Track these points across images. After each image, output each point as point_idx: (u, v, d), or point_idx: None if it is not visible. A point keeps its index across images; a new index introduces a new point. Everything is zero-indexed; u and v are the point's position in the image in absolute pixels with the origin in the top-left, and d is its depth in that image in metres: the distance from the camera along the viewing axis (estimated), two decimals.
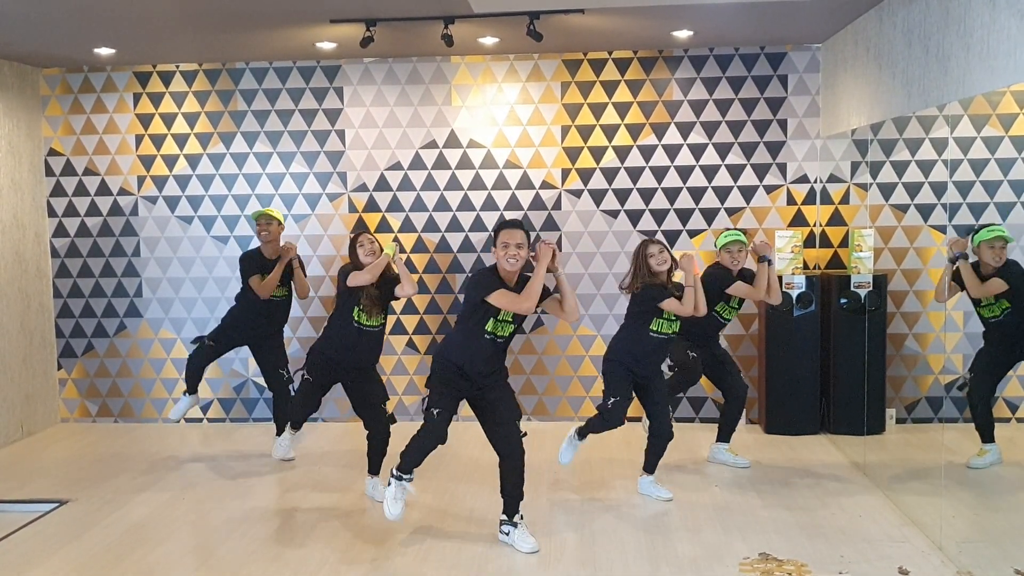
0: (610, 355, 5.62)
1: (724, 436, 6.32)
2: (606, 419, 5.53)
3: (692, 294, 5.41)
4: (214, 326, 7.56)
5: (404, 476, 4.85)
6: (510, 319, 4.82)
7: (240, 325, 6.62)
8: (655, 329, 5.48)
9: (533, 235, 7.42)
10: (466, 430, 5.97)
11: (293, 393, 6.28)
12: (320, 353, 5.65)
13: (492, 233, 4.92)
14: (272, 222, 6.47)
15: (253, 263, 6.47)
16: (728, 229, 6.32)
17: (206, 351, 6.64)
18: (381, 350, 5.71)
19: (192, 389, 6.64)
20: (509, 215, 7.39)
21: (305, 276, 6.67)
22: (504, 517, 4.95)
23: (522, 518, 4.95)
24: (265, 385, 6.89)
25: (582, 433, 5.65)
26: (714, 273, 5.97)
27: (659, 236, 7.29)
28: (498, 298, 4.68)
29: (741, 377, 6.31)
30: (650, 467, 5.70)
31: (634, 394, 5.60)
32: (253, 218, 6.58)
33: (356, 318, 5.48)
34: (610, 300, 7.39)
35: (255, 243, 6.94)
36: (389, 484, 4.87)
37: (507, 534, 4.93)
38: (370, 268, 5.40)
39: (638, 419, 6.16)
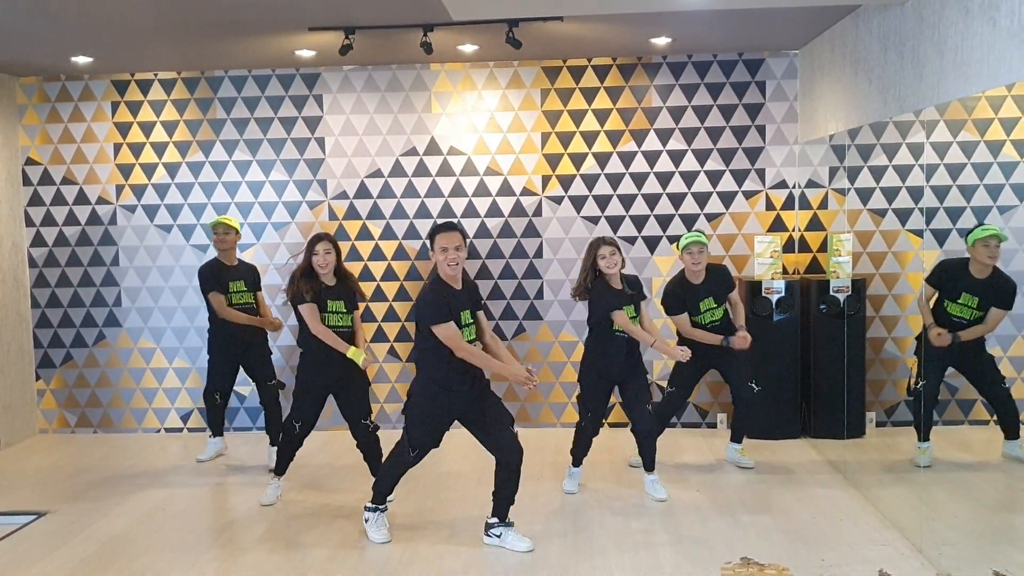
0: (583, 364, 5.78)
1: (734, 437, 6.38)
2: (583, 433, 5.75)
3: (659, 346, 5.62)
4: (193, 335, 7.55)
5: (380, 507, 5.08)
6: (469, 320, 4.89)
7: (220, 346, 6.55)
8: (619, 330, 5.59)
9: (513, 242, 7.43)
10: (448, 439, 5.95)
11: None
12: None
13: (427, 239, 4.95)
14: (230, 231, 6.43)
15: (211, 276, 6.41)
16: (692, 231, 6.38)
17: (218, 404, 6.68)
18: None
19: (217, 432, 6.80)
20: (490, 222, 7.40)
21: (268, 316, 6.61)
22: (495, 520, 4.97)
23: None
24: (256, 394, 6.77)
25: (576, 461, 5.83)
26: (669, 288, 6.18)
27: (638, 241, 7.33)
28: (444, 331, 4.72)
29: (746, 384, 6.16)
30: (647, 465, 5.73)
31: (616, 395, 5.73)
32: (210, 226, 6.55)
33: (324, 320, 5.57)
34: None
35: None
36: (366, 519, 5.08)
37: (498, 536, 4.96)
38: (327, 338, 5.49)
39: (624, 424, 6.17)
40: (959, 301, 5.51)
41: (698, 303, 6.05)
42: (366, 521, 5.10)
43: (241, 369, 6.63)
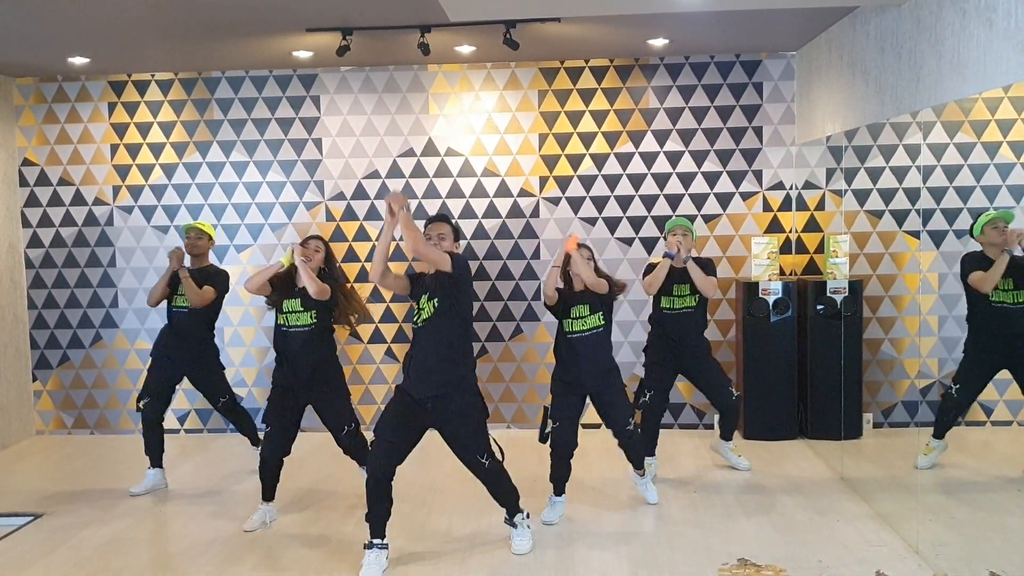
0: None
1: (724, 435, 6.30)
2: (553, 449, 5.37)
3: (553, 274, 5.31)
4: None
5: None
6: (425, 304, 4.66)
7: (159, 351, 6.22)
8: (568, 329, 5.34)
9: (511, 243, 7.43)
10: (439, 448, 5.94)
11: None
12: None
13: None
14: (202, 236, 6.16)
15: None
16: (677, 215, 6.26)
17: (147, 412, 6.09)
18: (318, 357, 5.37)
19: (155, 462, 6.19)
20: (487, 223, 7.40)
21: (195, 285, 5.96)
22: (505, 517, 4.98)
23: (526, 517, 4.97)
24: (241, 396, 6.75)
25: (556, 489, 5.48)
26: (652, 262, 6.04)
27: (635, 242, 7.33)
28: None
29: (726, 390, 6.03)
30: (635, 464, 5.64)
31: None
32: (183, 230, 6.25)
33: (280, 321, 5.35)
34: None
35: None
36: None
37: (513, 528, 4.98)
38: (254, 276, 5.38)
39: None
40: (1001, 288, 5.43)
41: (674, 284, 5.87)
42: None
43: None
